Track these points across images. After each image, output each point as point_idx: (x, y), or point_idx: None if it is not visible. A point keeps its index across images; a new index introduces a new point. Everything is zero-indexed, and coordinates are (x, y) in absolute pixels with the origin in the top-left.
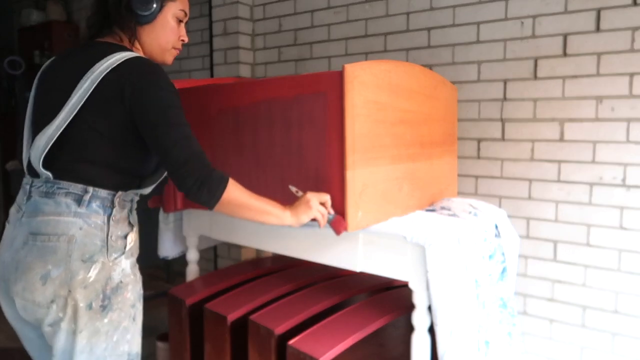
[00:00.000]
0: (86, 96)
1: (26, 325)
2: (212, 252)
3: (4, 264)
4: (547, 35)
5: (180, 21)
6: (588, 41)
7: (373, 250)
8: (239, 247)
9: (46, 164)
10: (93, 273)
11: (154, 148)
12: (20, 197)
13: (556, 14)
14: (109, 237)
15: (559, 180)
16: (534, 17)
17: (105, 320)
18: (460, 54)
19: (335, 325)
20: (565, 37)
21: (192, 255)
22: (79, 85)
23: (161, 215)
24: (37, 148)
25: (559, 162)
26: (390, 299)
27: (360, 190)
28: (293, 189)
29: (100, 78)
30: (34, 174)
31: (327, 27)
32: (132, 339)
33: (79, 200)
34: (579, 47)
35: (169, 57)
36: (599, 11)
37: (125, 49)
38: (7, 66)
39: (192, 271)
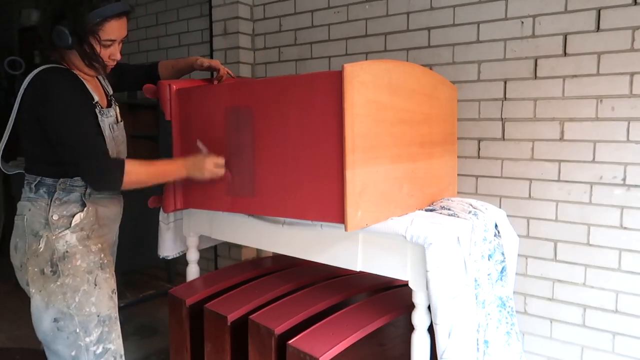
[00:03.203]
0: (17, 106)
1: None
2: (212, 252)
3: None
4: (547, 34)
5: (106, 46)
6: (588, 41)
7: (373, 249)
8: (239, 247)
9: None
10: (42, 245)
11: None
12: None
13: (556, 13)
14: (51, 216)
15: (559, 180)
16: (534, 16)
17: (58, 283)
18: (460, 54)
19: (335, 324)
20: (565, 36)
21: (192, 255)
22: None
23: (161, 215)
24: None
25: (559, 161)
26: (390, 298)
27: (360, 189)
28: (200, 144)
29: (22, 90)
30: None
31: (327, 27)
32: (99, 303)
33: (31, 188)
34: (579, 46)
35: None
36: (599, 10)
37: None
38: (7, 66)
39: (192, 271)
